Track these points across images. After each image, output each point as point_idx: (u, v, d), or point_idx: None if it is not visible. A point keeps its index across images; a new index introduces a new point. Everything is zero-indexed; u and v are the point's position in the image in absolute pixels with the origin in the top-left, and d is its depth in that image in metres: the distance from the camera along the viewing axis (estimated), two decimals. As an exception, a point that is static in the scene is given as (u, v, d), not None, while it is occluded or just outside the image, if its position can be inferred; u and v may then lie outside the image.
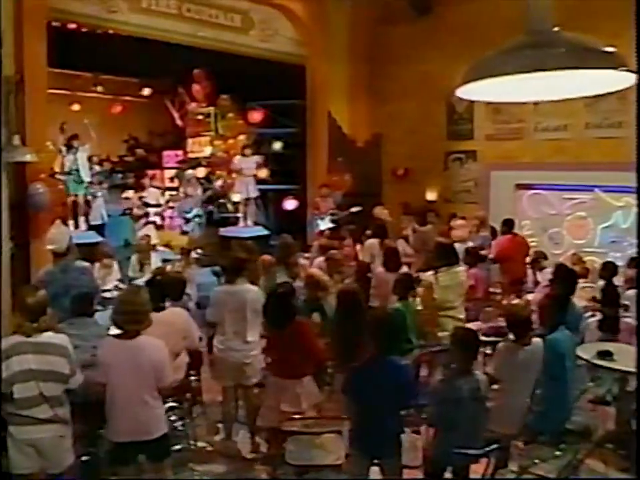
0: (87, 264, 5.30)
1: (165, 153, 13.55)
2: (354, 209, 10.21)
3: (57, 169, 8.39)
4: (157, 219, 9.05)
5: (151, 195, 8.77)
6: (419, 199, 10.57)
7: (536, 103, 9.36)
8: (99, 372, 3.56)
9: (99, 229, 9.68)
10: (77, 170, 8.68)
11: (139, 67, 11.20)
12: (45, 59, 7.38)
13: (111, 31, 8.73)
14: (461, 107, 10.45)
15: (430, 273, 5.60)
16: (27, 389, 3.41)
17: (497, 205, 9.79)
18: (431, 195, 10.70)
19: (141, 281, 7.01)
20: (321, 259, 7.06)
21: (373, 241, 7.51)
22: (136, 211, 8.60)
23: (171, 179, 12.97)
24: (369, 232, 8.33)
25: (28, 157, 6.31)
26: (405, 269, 6.26)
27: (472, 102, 10.18)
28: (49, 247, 4.92)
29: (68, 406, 3.59)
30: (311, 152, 11.02)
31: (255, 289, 4.90)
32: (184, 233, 10.35)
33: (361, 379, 3.56)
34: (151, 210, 8.65)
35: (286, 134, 11.39)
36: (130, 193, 12.77)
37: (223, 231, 11.04)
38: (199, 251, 10.25)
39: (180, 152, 13.28)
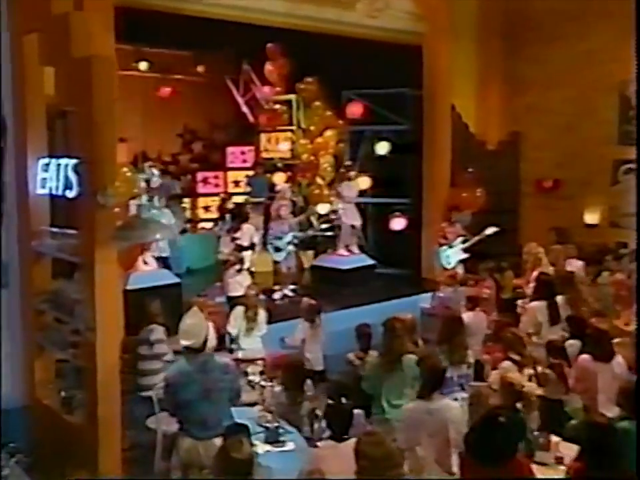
0: (228, 360, 4.47)
1: (229, 149, 12.31)
2: (489, 231, 8.72)
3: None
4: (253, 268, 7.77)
5: (245, 234, 7.24)
6: (573, 222, 9.22)
7: None
8: None
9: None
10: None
11: (193, 38, 9.76)
12: (114, 58, 5.95)
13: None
14: (641, 101, 8.87)
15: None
16: None
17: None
18: (591, 217, 9.48)
19: (250, 344, 6.24)
20: (470, 314, 6.41)
21: (539, 305, 6.37)
22: (230, 257, 7.09)
23: (236, 183, 11.82)
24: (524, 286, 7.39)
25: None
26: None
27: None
28: (184, 342, 4.11)
29: None
30: (428, 156, 10.09)
31: (457, 405, 4.60)
32: (275, 262, 9.21)
33: None
34: (245, 253, 7.15)
35: (393, 132, 10.27)
36: (187, 202, 11.53)
37: (317, 261, 10.12)
38: (291, 287, 9.15)
39: (246, 148, 12.08)
